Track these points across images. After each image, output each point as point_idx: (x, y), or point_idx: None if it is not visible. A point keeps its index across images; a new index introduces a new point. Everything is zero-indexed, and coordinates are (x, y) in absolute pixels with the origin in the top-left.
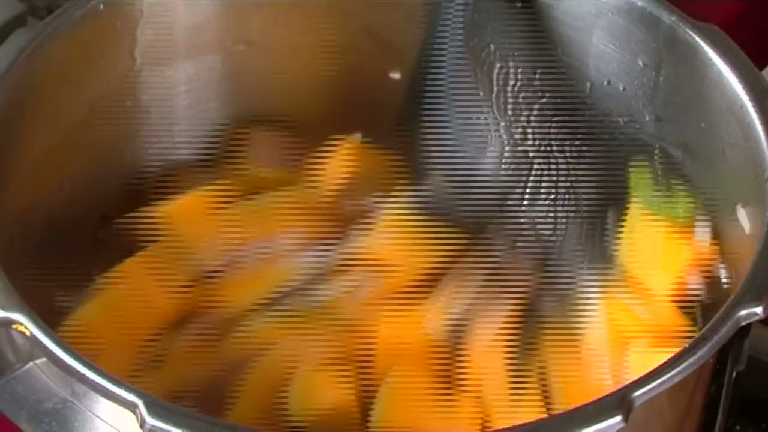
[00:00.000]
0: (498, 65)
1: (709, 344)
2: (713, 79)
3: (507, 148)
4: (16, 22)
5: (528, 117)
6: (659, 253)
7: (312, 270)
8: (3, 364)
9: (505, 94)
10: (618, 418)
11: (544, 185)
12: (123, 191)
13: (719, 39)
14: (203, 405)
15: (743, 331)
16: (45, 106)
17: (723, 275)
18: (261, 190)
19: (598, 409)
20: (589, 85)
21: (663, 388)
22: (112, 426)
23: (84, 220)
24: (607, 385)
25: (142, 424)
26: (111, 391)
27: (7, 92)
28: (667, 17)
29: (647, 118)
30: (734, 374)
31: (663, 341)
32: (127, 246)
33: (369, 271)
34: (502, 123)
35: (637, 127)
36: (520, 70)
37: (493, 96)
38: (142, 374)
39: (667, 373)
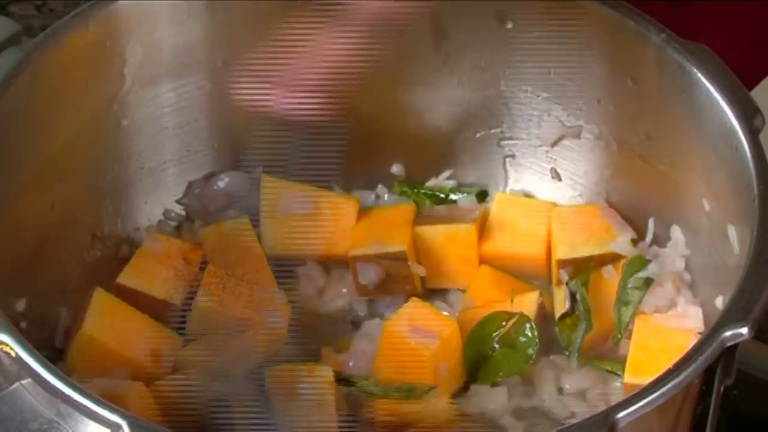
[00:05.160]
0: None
1: (694, 365)
2: (702, 98)
3: None
4: (11, 42)
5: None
6: None
7: None
8: None
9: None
10: None
11: None
12: (114, 210)
13: (708, 58)
14: None
15: (731, 350)
16: (35, 125)
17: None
18: None
19: (583, 430)
20: (579, 103)
21: (648, 408)
22: None
23: (75, 240)
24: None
25: None
26: (95, 412)
27: None
28: (656, 37)
29: (637, 137)
30: (722, 389)
31: None
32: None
33: None
34: None
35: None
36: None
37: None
38: None
39: (651, 394)
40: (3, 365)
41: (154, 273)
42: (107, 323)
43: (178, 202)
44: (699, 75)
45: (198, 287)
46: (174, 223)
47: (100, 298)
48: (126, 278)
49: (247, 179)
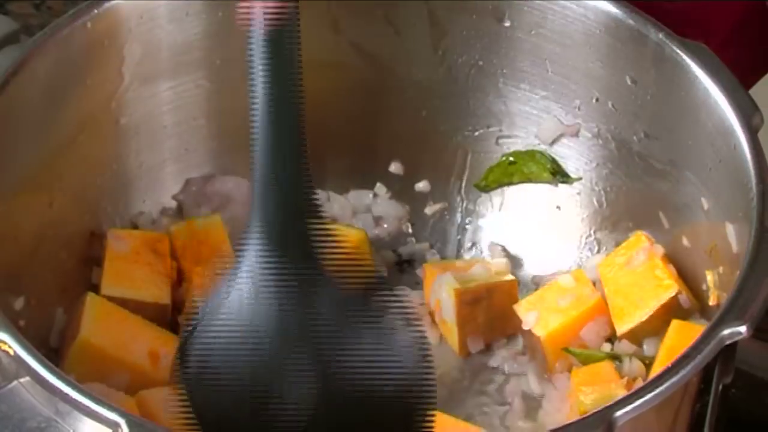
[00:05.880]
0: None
1: (692, 364)
2: (700, 97)
3: None
4: (9, 40)
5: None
6: None
7: None
8: None
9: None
10: None
11: None
12: (112, 209)
13: (706, 57)
14: None
15: (729, 348)
16: (33, 124)
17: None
18: None
19: (581, 429)
20: (578, 102)
21: (646, 407)
22: None
23: (74, 238)
24: None
25: None
26: (93, 410)
27: None
28: (655, 35)
29: (635, 136)
30: (720, 388)
31: None
32: None
33: None
34: None
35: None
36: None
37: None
38: None
39: (649, 392)
40: (1, 363)
41: (131, 275)
42: (103, 328)
43: (173, 197)
44: (697, 74)
45: (176, 279)
46: (168, 220)
47: (93, 303)
48: (109, 288)
49: (246, 185)
